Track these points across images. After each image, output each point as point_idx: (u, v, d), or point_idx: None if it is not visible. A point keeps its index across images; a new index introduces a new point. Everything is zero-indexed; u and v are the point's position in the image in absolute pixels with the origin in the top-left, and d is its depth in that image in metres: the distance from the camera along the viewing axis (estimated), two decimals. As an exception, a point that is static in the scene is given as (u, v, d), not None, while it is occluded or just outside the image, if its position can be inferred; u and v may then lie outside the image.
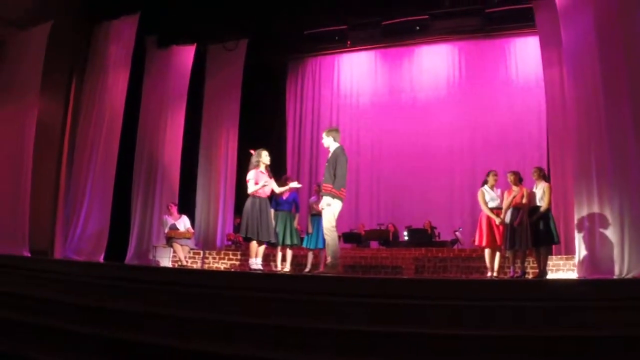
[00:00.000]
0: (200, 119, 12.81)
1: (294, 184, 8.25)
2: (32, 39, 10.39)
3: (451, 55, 13.55)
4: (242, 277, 6.37)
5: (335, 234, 6.85)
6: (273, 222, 7.90)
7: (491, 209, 8.09)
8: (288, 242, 8.66)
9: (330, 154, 7.00)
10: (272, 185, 7.87)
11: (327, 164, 6.95)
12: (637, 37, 7.39)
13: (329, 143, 7.08)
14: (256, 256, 7.60)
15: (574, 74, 8.33)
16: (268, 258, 9.24)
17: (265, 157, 7.79)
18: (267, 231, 7.52)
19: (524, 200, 7.75)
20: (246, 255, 8.52)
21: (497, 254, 8.11)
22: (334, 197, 6.73)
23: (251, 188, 7.56)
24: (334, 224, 6.82)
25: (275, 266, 9.01)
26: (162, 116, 12.12)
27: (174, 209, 10.20)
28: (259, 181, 7.57)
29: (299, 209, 9.10)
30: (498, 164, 11.42)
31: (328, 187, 6.76)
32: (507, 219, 7.85)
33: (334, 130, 7.25)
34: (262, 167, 7.72)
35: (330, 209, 6.76)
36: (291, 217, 8.76)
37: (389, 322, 4.04)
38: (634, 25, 7.43)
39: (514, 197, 7.85)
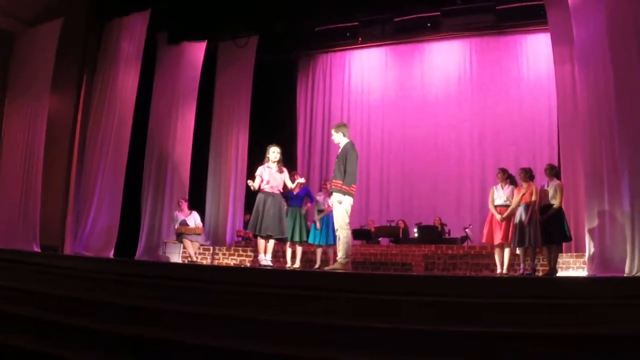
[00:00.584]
0: (211, 116, 12.87)
1: (300, 180, 8.27)
2: (43, 35, 10.48)
3: (462, 52, 13.50)
4: (250, 273, 6.38)
5: (348, 232, 6.79)
6: (280, 216, 7.85)
7: (495, 207, 8.10)
8: (297, 238, 8.63)
9: (340, 150, 6.93)
10: (286, 181, 7.88)
11: (337, 159, 6.87)
12: (649, 33, 7.33)
13: (339, 139, 6.97)
14: (265, 252, 7.60)
15: (585, 71, 8.27)
16: (277, 254, 9.26)
17: (272, 153, 7.78)
18: (269, 226, 7.47)
19: (534, 198, 7.71)
20: (256, 251, 8.52)
21: (506, 251, 8.08)
22: (344, 193, 6.65)
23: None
24: (347, 220, 6.75)
25: (285, 262, 9.01)
26: (173, 112, 12.16)
27: (185, 205, 10.24)
28: (264, 177, 7.59)
29: (313, 200, 9.10)
30: (508, 161, 11.45)
31: (338, 183, 6.68)
32: (518, 216, 7.83)
33: (342, 125, 7.13)
34: (270, 163, 7.73)
35: (342, 205, 6.67)
36: (301, 213, 8.74)
37: (394, 321, 4.02)
38: (646, 21, 7.37)
39: (523, 194, 7.82)
